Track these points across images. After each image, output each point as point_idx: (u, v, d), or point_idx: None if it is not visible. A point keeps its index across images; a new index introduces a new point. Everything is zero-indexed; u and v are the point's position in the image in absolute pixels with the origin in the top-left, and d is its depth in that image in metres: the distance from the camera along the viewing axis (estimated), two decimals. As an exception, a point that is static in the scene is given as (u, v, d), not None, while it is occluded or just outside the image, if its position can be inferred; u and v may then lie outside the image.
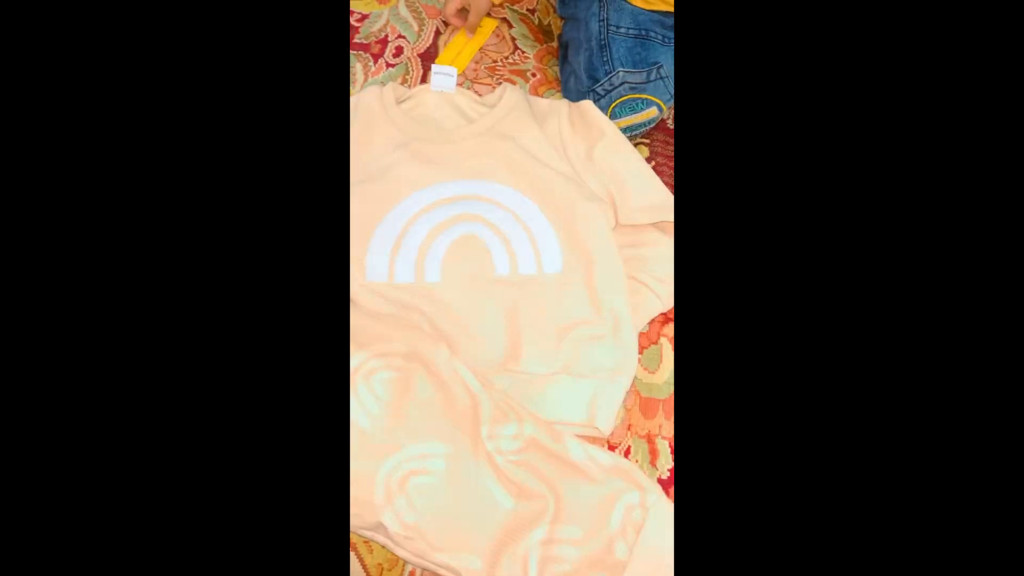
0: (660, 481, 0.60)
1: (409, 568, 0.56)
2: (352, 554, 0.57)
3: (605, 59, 0.70)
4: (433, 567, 0.53)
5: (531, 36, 0.86)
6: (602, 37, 0.70)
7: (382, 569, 0.56)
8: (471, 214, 0.67)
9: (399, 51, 0.83)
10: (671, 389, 0.63)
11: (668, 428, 0.62)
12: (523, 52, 0.84)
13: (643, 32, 0.69)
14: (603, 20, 0.70)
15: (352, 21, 0.86)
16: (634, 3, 0.70)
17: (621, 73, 0.69)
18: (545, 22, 0.87)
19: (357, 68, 0.82)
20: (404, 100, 0.74)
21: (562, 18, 0.81)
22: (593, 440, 0.60)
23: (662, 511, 0.54)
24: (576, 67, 0.73)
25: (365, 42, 0.84)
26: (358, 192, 0.67)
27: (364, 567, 0.57)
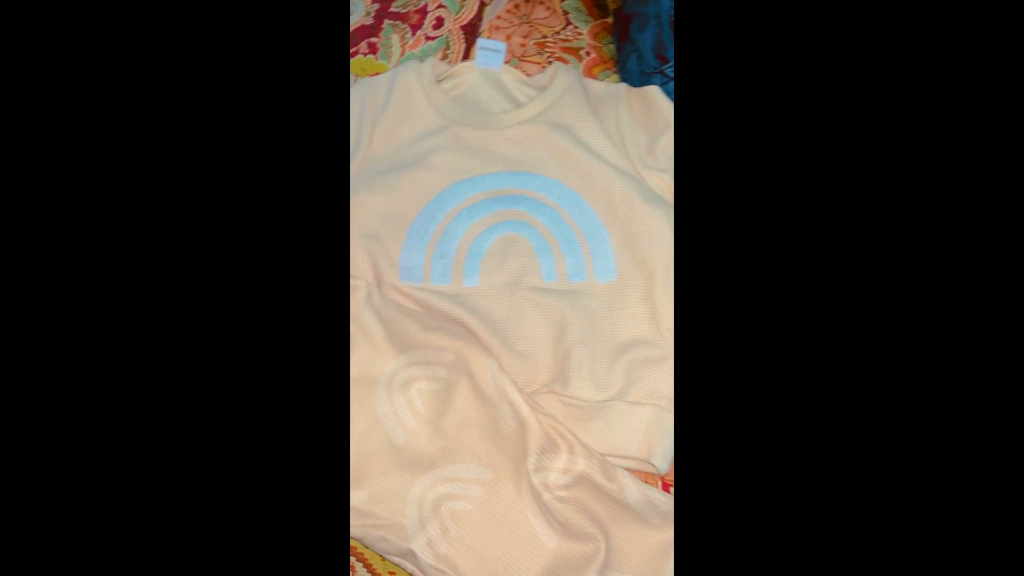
0: (720, 522, 0.54)
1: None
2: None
3: (677, 38, 0.62)
4: (465, 611, 0.48)
5: (584, 9, 0.77)
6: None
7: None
8: (515, 211, 0.60)
9: (439, 22, 0.76)
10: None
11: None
12: (576, 27, 0.75)
13: (723, 9, 0.61)
14: (678, -7, 0.62)
15: (388, -13, 0.78)
16: (711, -26, 0.61)
17: (694, 55, 0.61)
18: (601, -7, 0.79)
19: (393, 40, 0.75)
20: (444, 78, 0.67)
21: (622, -11, 0.73)
22: (646, 476, 0.54)
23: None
24: (641, 45, 0.65)
25: (402, 11, 0.76)
26: (392, 180, 0.61)
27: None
